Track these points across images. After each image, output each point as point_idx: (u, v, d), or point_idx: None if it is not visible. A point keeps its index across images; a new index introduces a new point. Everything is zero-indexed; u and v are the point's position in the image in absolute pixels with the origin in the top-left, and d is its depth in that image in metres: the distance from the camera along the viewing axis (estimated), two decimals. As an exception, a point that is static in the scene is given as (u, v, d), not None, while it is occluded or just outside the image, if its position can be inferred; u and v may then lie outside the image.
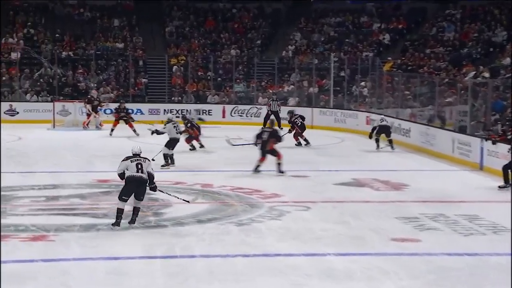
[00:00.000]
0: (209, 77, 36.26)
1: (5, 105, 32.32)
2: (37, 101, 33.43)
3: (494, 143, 18.83)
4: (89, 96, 31.03)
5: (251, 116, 32.90)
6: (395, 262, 10.74)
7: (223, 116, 32.42)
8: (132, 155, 12.54)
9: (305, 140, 24.56)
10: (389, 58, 34.24)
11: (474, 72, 26.69)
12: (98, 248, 11.23)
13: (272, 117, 25.45)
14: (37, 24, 38.16)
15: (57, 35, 37.49)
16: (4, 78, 34.33)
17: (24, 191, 15.71)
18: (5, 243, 11.42)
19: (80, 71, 35.38)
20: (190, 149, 22.04)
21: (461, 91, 24.37)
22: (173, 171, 18.37)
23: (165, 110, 31.97)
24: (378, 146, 23.20)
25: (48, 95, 33.76)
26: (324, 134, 27.88)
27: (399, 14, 39.06)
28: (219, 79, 36.61)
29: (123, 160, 12.57)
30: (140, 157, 12.55)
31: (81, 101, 31.20)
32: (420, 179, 18.23)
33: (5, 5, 38.69)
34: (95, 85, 34.66)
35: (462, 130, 22.11)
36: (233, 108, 33.30)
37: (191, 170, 18.69)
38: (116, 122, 27.40)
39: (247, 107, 33.68)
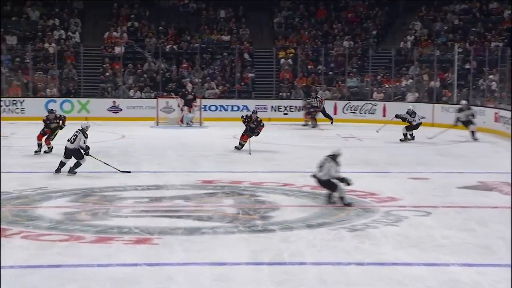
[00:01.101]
0: (319, 71, 36.16)
1: (109, 102, 33.27)
2: (140, 98, 34.19)
3: None
4: (183, 90, 31.75)
5: (365, 113, 32.72)
6: None
7: (335, 113, 32.19)
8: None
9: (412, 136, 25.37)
10: None
11: None
12: (203, 253, 11.37)
13: None
14: (141, 16, 38.97)
15: (161, 28, 38.15)
16: (107, 73, 35.25)
17: (127, 192, 16.06)
18: (109, 245, 11.80)
19: (184, 65, 35.95)
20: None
21: None
22: (282, 172, 18.51)
23: (272, 106, 32.21)
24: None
25: (151, 91, 34.39)
26: (446, 133, 27.47)
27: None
28: (330, 73, 36.35)
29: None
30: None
31: (176, 96, 31.86)
32: None
33: None
34: (200, 80, 35.17)
35: None
36: (346, 105, 33.18)
37: (300, 171, 18.70)
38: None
39: (361, 103, 33.53)
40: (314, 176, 14.74)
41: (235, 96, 34.44)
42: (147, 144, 24.88)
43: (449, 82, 32.88)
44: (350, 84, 35.20)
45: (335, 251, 11.47)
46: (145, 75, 35.47)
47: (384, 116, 30.93)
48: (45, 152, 21.40)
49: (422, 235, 12.35)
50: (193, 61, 36.17)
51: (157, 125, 30.35)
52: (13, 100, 32.42)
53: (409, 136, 24.97)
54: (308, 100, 31.04)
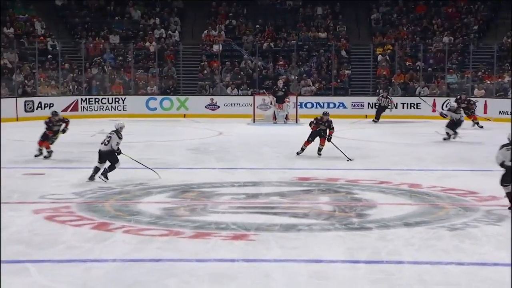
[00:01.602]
0: (418, 68, 35.72)
1: (207, 99, 33.59)
2: (237, 95, 34.45)
3: None
4: (274, 87, 31.81)
5: (465, 110, 32.27)
6: None
7: (433, 111, 31.69)
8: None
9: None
10: None
11: None
12: (299, 250, 11.38)
13: None
14: (239, 15, 39.24)
15: (258, 26, 38.32)
16: (205, 71, 35.60)
17: (224, 188, 16.17)
18: (207, 241, 11.90)
19: (281, 63, 36.07)
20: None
21: None
22: (379, 170, 18.41)
23: (369, 103, 31.98)
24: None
25: (248, 88, 34.62)
26: None
27: None
28: (429, 69, 35.87)
29: None
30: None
31: (268, 93, 31.95)
32: None
33: None
34: (296, 77, 35.19)
35: None
36: (445, 101, 32.56)
37: (398, 168, 18.61)
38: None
39: (461, 100, 32.93)
40: None
41: (331, 93, 34.39)
42: (243, 141, 25.04)
43: None
44: (450, 80, 34.66)
45: (434, 250, 11.32)
46: (242, 73, 35.72)
47: (485, 113, 30.25)
48: (45, 157, 19.78)
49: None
50: (289, 58, 36.27)
51: (254, 122, 30.53)
52: (115, 98, 33.06)
53: (452, 135, 23.96)
54: (378, 97, 31.21)
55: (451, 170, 18.15)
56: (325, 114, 19.69)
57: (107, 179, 16.24)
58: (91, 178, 16.32)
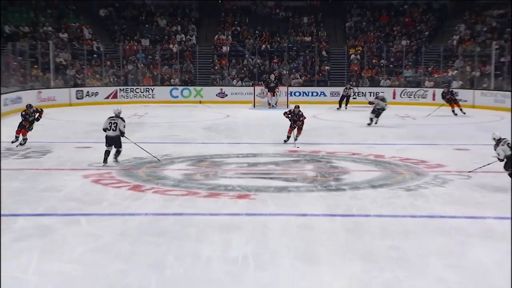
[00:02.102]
0: (382, 64, 35.79)
1: (217, 89, 33.61)
2: (241, 86, 34.38)
3: None
4: (267, 80, 31.89)
5: (418, 98, 32.37)
6: None
7: (393, 97, 31.78)
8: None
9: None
10: None
11: None
12: (290, 207, 11.44)
13: None
14: (242, 23, 39.09)
15: (257, 31, 38.19)
16: (216, 67, 35.66)
17: (231, 159, 16.17)
18: (218, 199, 11.93)
19: (275, 60, 36.09)
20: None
21: None
22: (351, 144, 18.38)
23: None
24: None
25: (249, 80, 34.60)
26: (484, 113, 26.81)
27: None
28: (390, 65, 35.94)
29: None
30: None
31: (259, 85, 32.14)
32: None
33: (218, 8, 40.00)
34: (287, 72, 35.22)
35: None
36: (402, 91, 32.87)
37: (366, 143, 18.55)
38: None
39: (415, 89, 33.11)
40: None
41: (314, 84, 34.44)
42: (246, 121, 24.99)
43: (487, 72, 31.94)
44: (406, 74, 34.78)
45: (394, 207, 11.42)
46: (244, 68, 35.71)
47: (433, 100, 30.31)
48: (20, 144, 17.43)
49: (464, 195, 12.15)
50: (282, 57, 36.25)
51: (254, 107, 30.40)
52: (146, 88, 33.02)
53: (375, 120, 22.50)
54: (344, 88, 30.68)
55: (407, 144, 18.17)
56: (296, 107, 18.31)
57: (118, 162, 14.92)
58: (105, 161, 14.62)
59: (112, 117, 14.75)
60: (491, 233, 9.93)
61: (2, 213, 10.94)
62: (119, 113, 14.95)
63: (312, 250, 9.16)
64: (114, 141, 14.63)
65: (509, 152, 11.96)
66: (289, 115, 17.92)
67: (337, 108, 29.25)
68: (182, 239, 9.57)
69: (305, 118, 18.03)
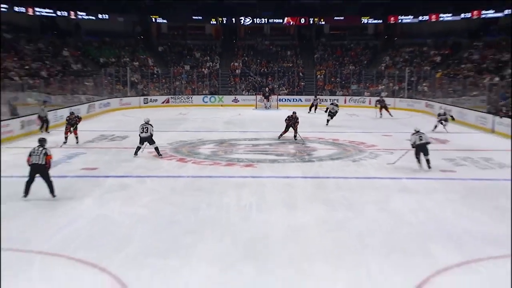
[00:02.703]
0: (338, 81, 34.84)
1: (232, 97, 32.91)
2: (248, 95, 33.95)
3: (500, 117, 17.68)
4: (263, 91, 31.68)
5: (360, 103, 31.71)
6: (443, 183, 10.45)
7: (344, 102, 30.99)
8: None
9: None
10: (439, 71, 31.49)
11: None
12: (279, 172, 11.47)
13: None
14: (249, 54, 38.56)
15: (258, 60, 37.70)
16: (232, 83, 35.25)
17: (241, 141, 16.07)
18: (232, 167, 11.89)
19: (269, 79, 35.36)
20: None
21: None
22: (319, 132, 18.13)
23: (314, 99, 31.70)
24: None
25: (253, 91, 34.14)
26: (401, 113, 26.76)
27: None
28: (343, 82, 35.02)
29: None
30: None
31: (259, 94, 31.47)
32: (457, 138, 16.89)
33: (233, 46, 39.55)
34: (277, 86, 34.76)
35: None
36: (350, 98, 31.86)
37: (328, 131, 18.41)
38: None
39: (358, 97, 32.12)
40: None
41: (294, 94, 33.93)
42: (251, 118, 24.67)
43: (402, 87, 31.64)
44: (353, 88, 34.12)
45: (344, 172, 11.45)
46: (250, 84, 35.30)
47: (369, 104, 29.73)
48: (64, 143, 14.49)
49: (389, 164, 12.10)
50: (274, 76, 35.77)
51: (256, 108, 30.03)
52: (187, 97, 32.57)
53: (330, 120, 20.63)
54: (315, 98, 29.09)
55: (353, 132, 18.08)
56: (294, 113, 16.20)
57: (161, 155, 12.79)
58: (136, 154, 12.80)
59: (144, 123, 13.02)
60: (406, 188, 10.01)
61: (98, 174, 11.07)
62: (148, 120, 13.09)
63: (293, 200, 9.26)
64: (146, 140, 12.75)
65: (418, 142, 11.36)
66: (288, 120, 15.96)
67: (308, 112, 29.04)
68: (210, 192, 9.63)
69: (298, 122, 16.11)
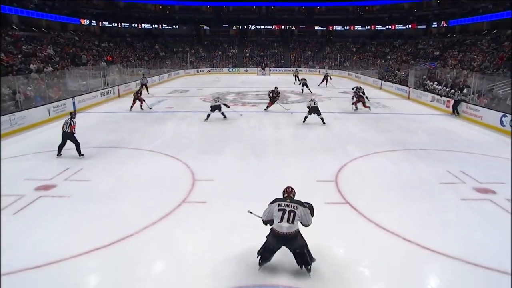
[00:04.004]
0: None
1: (244, 69, 30.25)
2: (253, 67, 30.83)
3: (384, 81, 16.41)
4: (261, 64, 28.55)
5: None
6: (355, 115, 9.83)
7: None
8: None
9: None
10: (355, 56, 28.40)
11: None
12: (270, 110, 10.54)
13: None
14: (253, 45, 33.94)
15: (258, 48, 33.82)
16: (244, 61, 31.40)
17: (249, 93, 14.75)
18: (244, 106, 11.29)
19: (265, 58, 31.99)
20: None
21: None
22: (291, 89, 16.55)
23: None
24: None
25: (256, 66, 31.08)
26: (334, 77, 23.81)
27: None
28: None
29: None
30: None
31: (259, 67, 28.11)
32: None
33: (246, 40, 35.46)
34: (269, 62, 31.82)
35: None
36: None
37: (298, 88, 15.96)
38: None
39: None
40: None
41: (279, 67, 30.49)
42: (255, 80, 21.59)
43: (336, 64, 28.79)
44: (310, 63, 30.49)
45: (305, 108, 9.38)
46: (254, 61, 31.98)
47: (319, 72, 26.70)
48: (141, 108, 10.50)
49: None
50: (267, 57, 31.95)
51: (257, 75, 27.13)
52: (219, 68, 29.69)
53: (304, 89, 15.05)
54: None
55: (312, 88, 16.11)
56: (276, 88, 10.80)
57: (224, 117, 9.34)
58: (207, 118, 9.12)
59: (216, 98, 9.47)
60: (337, 118, 9.50)
61: (173, 111, 10.64)
62: (218, 98, 9.40)
63: (278, 124, 8.80)
64: (216, 108, 9.03)
65: (312, 105, 8.60)
66: (270, 94, 11.00)
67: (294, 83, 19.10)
68: (232, 120, 9.25)
69: (279, 96, 10.77)
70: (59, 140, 6.35)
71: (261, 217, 3.24)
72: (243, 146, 7.03)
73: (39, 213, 4.32)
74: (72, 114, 6.52)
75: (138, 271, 3.31)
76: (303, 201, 3.21)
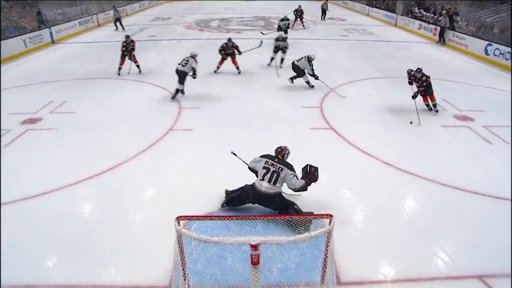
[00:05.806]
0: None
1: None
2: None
3: (372, 7, 14.91)
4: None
5: None
6: (340, 42, 9.32)
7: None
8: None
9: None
10: None
11: None
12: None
13: None
14: None
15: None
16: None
17: (233, 19, 13.60)
18: (229, 33, 10.41)
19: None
20: None
21: None
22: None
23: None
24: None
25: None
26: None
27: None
28: None
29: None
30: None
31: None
32: (351, 18, 14.12)
33: None
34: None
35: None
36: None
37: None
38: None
39: None
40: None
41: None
42: (240, 5, 19.38)
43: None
44: None
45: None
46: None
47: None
48: (118, 74, 6.75)
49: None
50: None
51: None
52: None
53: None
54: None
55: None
56: (229, 40, 6.70)
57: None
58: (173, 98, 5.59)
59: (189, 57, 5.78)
60: (321, 44, 8.98)
61: (156, 39, 9.94)
62: (195, 55, 5.63)
63: (263, 51, 7.53)
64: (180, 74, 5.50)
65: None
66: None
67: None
68: (216, 46, 7.03)
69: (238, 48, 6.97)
70: (39, 72, 6.17)
71: (245, 162, 3.08)
72: (228, 75, 6.64)
73: (28, 146, 4.16)
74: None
75: (131, 196, 3.32)
76: (307, 164, 2.84)
